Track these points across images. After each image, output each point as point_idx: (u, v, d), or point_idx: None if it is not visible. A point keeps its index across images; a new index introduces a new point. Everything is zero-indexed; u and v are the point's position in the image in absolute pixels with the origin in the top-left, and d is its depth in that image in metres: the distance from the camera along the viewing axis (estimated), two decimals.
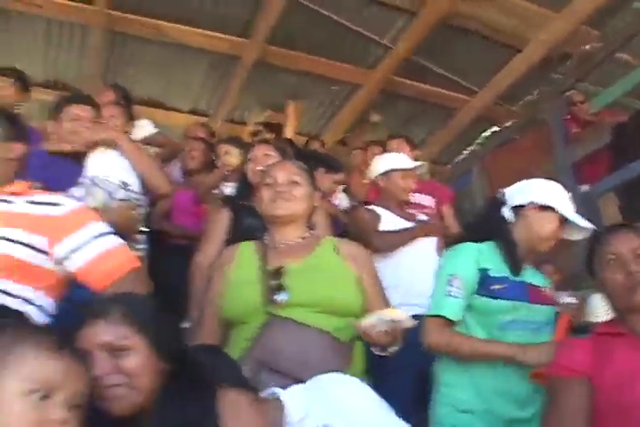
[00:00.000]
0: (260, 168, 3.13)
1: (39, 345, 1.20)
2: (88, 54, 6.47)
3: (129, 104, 4.58)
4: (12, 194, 2.07)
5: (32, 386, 1.15)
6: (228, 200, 3.36)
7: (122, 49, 6.47)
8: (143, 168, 3.14)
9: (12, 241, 1.93)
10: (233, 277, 2.27)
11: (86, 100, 3.33)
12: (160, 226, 3.92)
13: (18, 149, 2.14)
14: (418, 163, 3.81)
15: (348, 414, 1.58)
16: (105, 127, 3.24)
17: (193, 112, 7.26)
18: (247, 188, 3.21)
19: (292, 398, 1.63)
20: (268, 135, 5.78)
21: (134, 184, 3.08)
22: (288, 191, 2.31)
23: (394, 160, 3.79)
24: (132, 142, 3.27)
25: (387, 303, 2.25)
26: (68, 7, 6.00)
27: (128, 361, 1.49)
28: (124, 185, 2.99)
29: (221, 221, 3.10)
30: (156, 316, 1.64)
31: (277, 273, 2.15)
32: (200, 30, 6.32)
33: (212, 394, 1.53)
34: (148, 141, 4.68)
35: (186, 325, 2.87)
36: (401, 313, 1.99)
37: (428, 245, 3.54)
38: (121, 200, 2.94)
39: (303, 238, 2.34)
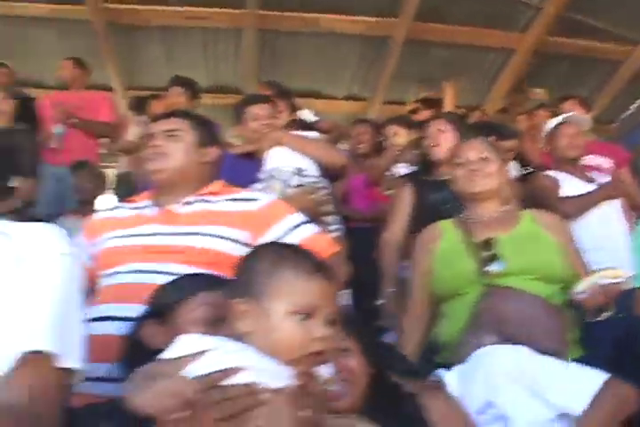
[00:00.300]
0: (433, 144, 3.19)
1: (297, 269, 1.28)
2: (243, 55, 6.73)
3: (288, 97, 4.72)
4: (211, 194, 2.20)
5: (295, 308, 1.24)
6: (410, 177, 3.41)
7: (274, 45, 6.67)
8: (312, 153, 3.21)
9: (218, 237, 2.05)
10: (440, 253, 2.37)
11: (262, 98, 3.48)
12: (337, 210, 4.01)
13: (213, 152, 2.29)
14: (571, 114, 3.69)
15: (513, 387, 1.60)
16: (267, 133, 3.31)
17: (350, 98, 7.35)
18: (427, 164, 3.25)
19: (454, 379, 1.68)
20: (427, 112, 5.74)
21: (310, 168, 3.15)
22: (481, 168, 2.40)
23: (554, 121, 3.70)
24: (290, 135, 3.35)
25: (587, 267, 2.25)
26: (221, 14, 6.29)
27: (350, 361, 1.57)
28: (299, 171, 3.07)
29: (405, 198, 3.18)
30: (361, 321, 1.72)
31: (487, 244, 2.22)
32: (347, 16, 6.39)
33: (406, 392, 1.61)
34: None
35: (380, 302, 2.97)
36: (619, 272, 1.98)
37: (613, 206, 3.43)
38: (297, 186, 3.03)
39: (502, 211, 2.41)
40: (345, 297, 3.19)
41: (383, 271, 3.05)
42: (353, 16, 6.39)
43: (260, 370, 1.19)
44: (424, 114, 5.61)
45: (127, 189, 4.81)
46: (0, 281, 1.16)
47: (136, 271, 1.99)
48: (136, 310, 1.74)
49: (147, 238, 2.08)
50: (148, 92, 5.97)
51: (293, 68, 6.86)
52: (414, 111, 5.92)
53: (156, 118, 2.43)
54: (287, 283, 1.27)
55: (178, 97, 4.91)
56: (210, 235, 2.06)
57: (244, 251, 2.03)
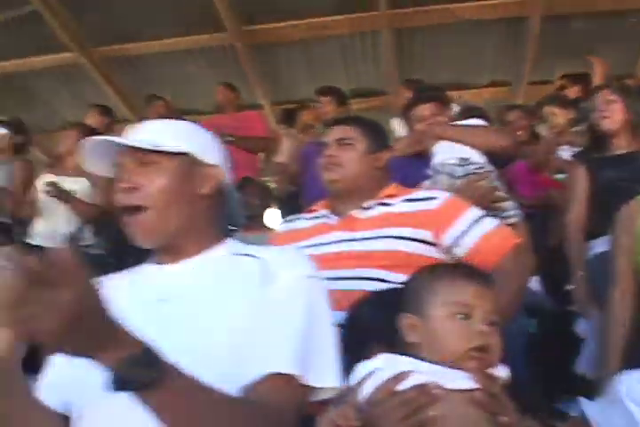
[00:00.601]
0: (603, 115, 3.10)
1: (451, 275, 1.39)
2: (382, 57, 6.76)
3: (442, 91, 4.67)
4: (389, 197, 2.25)
5: (453, 309, 1.33)
6: (580, 156, 3.33)
7: (411, 43, 6.64)
8: (471, 140, 3.13)
9: (403, 238, 2.10)
10: None
11: (425, 99, 3.46)
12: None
13: (384, 156, 2.34)
14: None
15: None
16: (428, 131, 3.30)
17: (494, 84, 7.20)
18: (597, 139, 3.18)
19: (596, 413, 1.64)
20: (575, 87, 5.55)
21: (474, 156, 3.08)
22: None
23: None
24: (447, 127, 3.31)
25: None
26: (354, 20, 6.37)
27: None
28: (463, 161, 3.02)
29: (579, 178, 3.12)
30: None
31: None
32: (479, 2, 6.27)
33: None
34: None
35: (570, 287, 2.91)
36: None
37: None
38: (463, 177, 2.98)
39: None
40: (534, 284, 3.16)
41: (570, 255, 3.00)
42: (485, 1, 6.26)
43: (433, 372, 1.25)
44: (573, 90, 5.43)
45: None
46: (246, 301, 1.26)
47: (332, 279, 2.03)
48: (338, 316, 1.81)
49: (335, 246, 2.15)
50: (294, 105, 6.16)
51: (433, 63, 6.79)
52: (561, 88, 5.73)
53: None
54: (443, 289, 1.37)
55: (326, 106, 5.03)
56: (395, 237, 2.10)
57: (430, 250, 2.11)
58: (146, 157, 1.38)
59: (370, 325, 1.71)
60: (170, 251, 1.41)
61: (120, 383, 0.95)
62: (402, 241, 2.10)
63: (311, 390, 1.26)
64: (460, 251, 2.12)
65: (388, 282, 2.02)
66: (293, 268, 1.33)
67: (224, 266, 1.37)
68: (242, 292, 1.28)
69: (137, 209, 1.36)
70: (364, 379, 1.28)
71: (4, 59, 6.88)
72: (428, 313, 1.35)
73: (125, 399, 0.97)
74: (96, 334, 0.91)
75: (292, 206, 4.63)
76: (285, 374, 1.19)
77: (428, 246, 2.12)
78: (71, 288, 0.84)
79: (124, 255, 3.12)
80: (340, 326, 1.71)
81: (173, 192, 1.37)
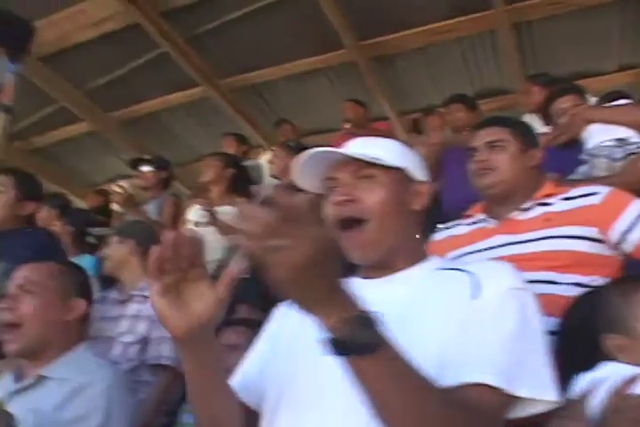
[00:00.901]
0: None
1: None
2: (503, 54, 6.65)
3: (572, 82, 4.55)
4: (547, 196, 2.21)
5: None
6: None
7: (530, 36, 6.49)
8: (624, 118, 3.02)
9: (569, 237, 2.05)
10: None
11: (565, 90, 3.43)
12: None
13: (537, 155, 2.31)
14: None
15: None
16: (575, 119, 3.21)
17: (623, 68, 6.90)
18: None
19: None
20: None
21: (631, 135, 2.96)
22: None
23: None
24: (595, 110, 3.23)
25: None
26: (470, 21, 6.32)
27: None
28: (620, 142, 2.92)
29: None
30: None
31: None
32: None
33: None
34: None
35: None
36: None
37: None
38: (622, 158, 2.87)
39: None
40: None
41: None
42: None
43: None
44: None
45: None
46: (456, 315, 1.25)
47: None
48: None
49: (499, 250, 2.12)
50: (420, 113, 6.16)
51: (556, 54, 6.60)
52: None
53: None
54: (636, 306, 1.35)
55: (457, 113, 4.98)
56: (560, 237, 2.06)
57: (598, 247, 2.05)
58: (362, 170, 1.40)
59: (583, 330, 1.65)
60: (380, 266, 1.40)
61: (338, 345, 0.95)
62: (568, 240, 2.06)
63: (525, 402, 1.19)
64: (628, 246, 2.06)
65: (560, 284, 1.99)
66: (502, 280, 1.29)
67: (432, 281, 1.36)
68: (451, 306, 1.26)
69: (356, 222, 1.36)
70: (588, 391, 1.26)
71: (139, 100, 7.29)
72: (634, 331, 1.33)
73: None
74: (325, 285, 0.92)
75: (429, 214, 4.62)
76: (491, 386, 1.14)
77: (595, 244, 2.06)
78: (318, 227, 0.89)
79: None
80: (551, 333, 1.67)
81: (391, 206, 1.38)
